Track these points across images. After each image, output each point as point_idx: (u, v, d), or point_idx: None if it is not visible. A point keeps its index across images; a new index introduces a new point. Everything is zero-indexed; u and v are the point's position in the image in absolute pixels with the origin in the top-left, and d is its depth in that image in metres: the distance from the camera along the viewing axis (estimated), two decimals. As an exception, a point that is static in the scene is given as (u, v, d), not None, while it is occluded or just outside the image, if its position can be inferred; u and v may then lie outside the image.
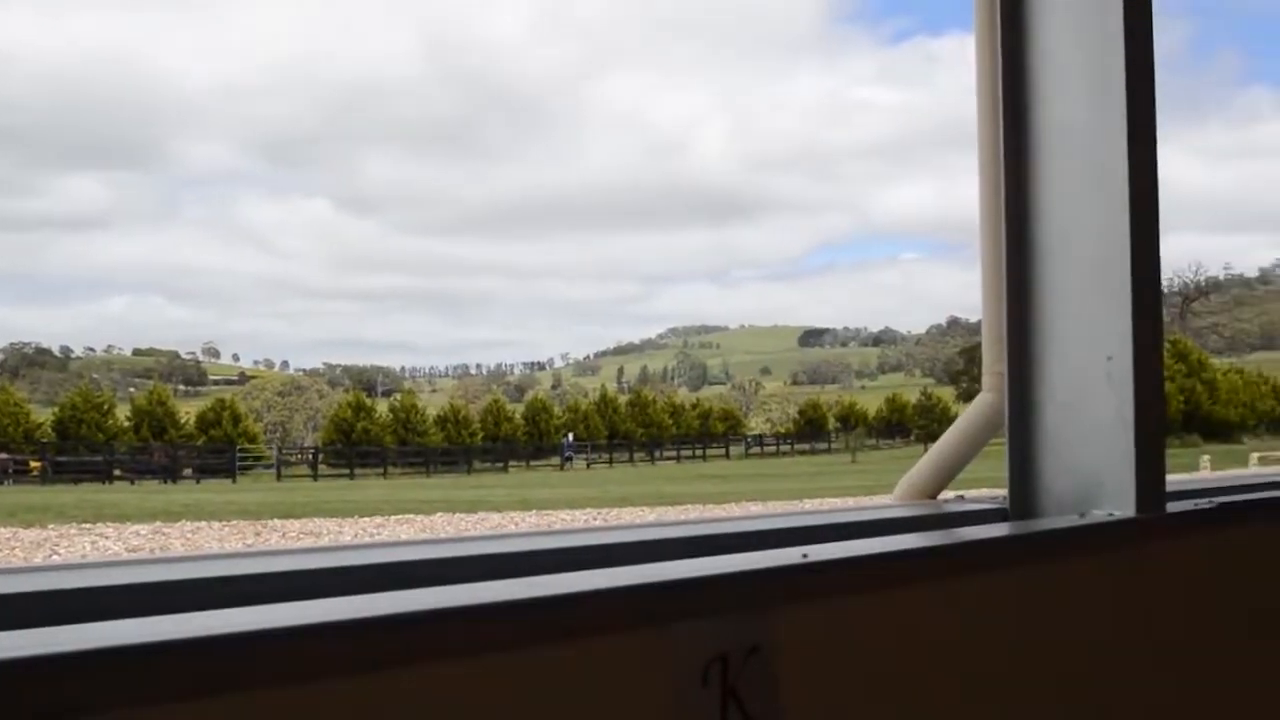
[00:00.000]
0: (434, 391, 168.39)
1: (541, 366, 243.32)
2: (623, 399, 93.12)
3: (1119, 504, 1.95)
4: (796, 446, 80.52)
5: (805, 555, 1.38)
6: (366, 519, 22.43)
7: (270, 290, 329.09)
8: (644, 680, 1.16)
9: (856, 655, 1.45)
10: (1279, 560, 2.55)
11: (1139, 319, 1.94)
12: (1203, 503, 2.22)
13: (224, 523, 20.95)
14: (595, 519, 21.22)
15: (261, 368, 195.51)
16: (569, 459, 64.74)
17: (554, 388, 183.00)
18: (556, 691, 1.08)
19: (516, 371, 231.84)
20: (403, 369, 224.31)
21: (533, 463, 66.75)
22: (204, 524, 20.54)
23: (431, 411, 76.86)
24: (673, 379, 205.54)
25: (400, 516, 23.38)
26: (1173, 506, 2.09)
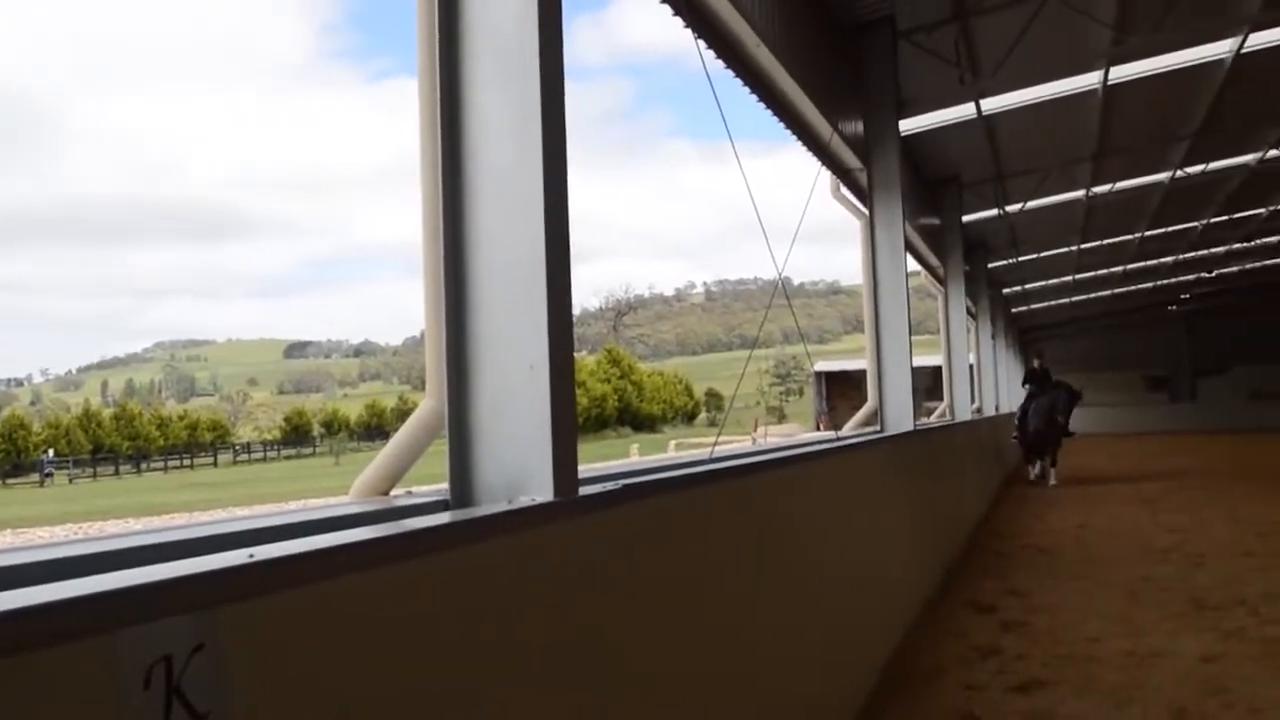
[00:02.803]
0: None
1: (19, 383, 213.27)
2: (107, 413, 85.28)
3: (540, 491, 2.13)
4: (283, 452, 78.05)
5: (251, 555, 1.37)
6: None
7: None
8: (85, 691, 1.10)
9: (310, 642, 1.47)
10: (675, 525, 2.89)
11: (554, 334, 2.13)
12: (610, 485, 2.47)
13: None
14: (76, 533, 19.15)
15: None
16: (49, 475, 57.90)
17: (33, 404, 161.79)
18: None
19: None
20: None
21: (9, 481, 58.80)
22: None
23: (-107, 435, 65.59)
24: (160, 392, 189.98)
25: None
26: (585, 490, 2.31)
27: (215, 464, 70.17)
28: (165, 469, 66.18)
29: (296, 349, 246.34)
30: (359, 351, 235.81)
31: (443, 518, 2.01)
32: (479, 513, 2.04)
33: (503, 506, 2.07)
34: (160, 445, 77.54)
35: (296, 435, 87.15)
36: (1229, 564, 7.86)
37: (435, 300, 2.18)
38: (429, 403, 2.22)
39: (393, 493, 2.27)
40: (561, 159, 2.24)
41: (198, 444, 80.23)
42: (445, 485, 2.19)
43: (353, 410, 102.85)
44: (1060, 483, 16.09)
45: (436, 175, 2.18)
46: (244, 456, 75.62)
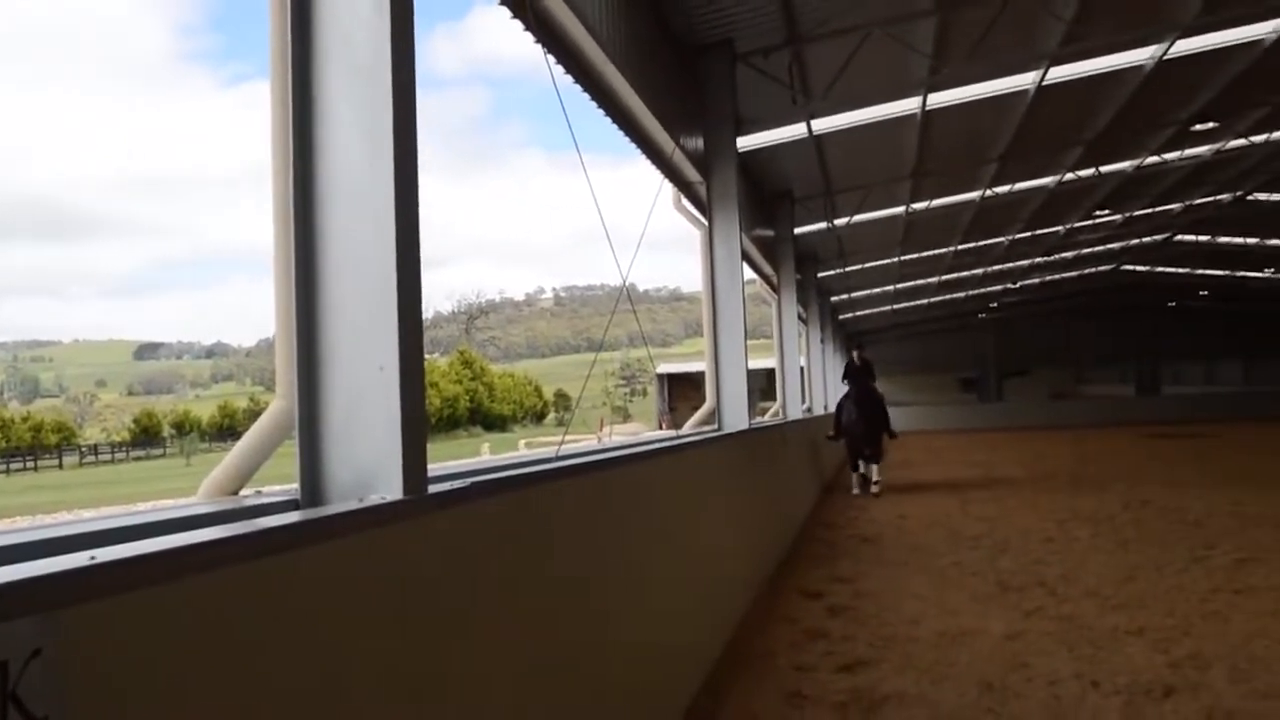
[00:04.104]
0: None
1: None
2: (-57, 416, 79.57)
3: (390, 489, 2.09)
4: (133, 454, 73.88)
5: (93, 557, 1.31)
6: None
7: None
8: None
9: (156, 644, 1.41)
10: (523, 522, 2.89)
11: (404, 336, 2.10)
12: (459, 483, 2.45)
13: None
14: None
15: None
16: (-118, 480, 53.29)
17: None
18: None
19: None
20: None
21: None
22: None
23: None
24: (2, 393, 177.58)
25: None
26: (434, 488, 2.29)
27: (60, 466, 65.88)
28: (8, 471, 61.71)
29: (147, 350, 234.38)
30: (211, 353, 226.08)
31: (292, 517, 1.96)
32: (329, 511, 1.99)
33: (352, 505, 2.03)
34: (2, 447, 72.56)
35: (146, 436, 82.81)
36: (1030, 549, 8.32)
37: (286, 301, 2.12)
38: (279, 403, 2.16)
39: (242, 492, 2.20)
40: (412, 164, 2.21)
41: (42, 446, 75.17)
42: (295, 485, 2.14)
43: (205, 411, 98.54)
44: (881, 490, 13.87)
45: (288, 178, 2.13)
46: (91, 458, 71.25)
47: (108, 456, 72.41)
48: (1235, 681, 4.37)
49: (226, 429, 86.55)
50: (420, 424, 2.14)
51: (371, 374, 2.08)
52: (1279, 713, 3.96)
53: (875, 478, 13.99)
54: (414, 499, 2.10)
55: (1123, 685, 4.40)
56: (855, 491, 14.02)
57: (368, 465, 2.10)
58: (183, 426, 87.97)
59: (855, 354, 14.74)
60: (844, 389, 14.84)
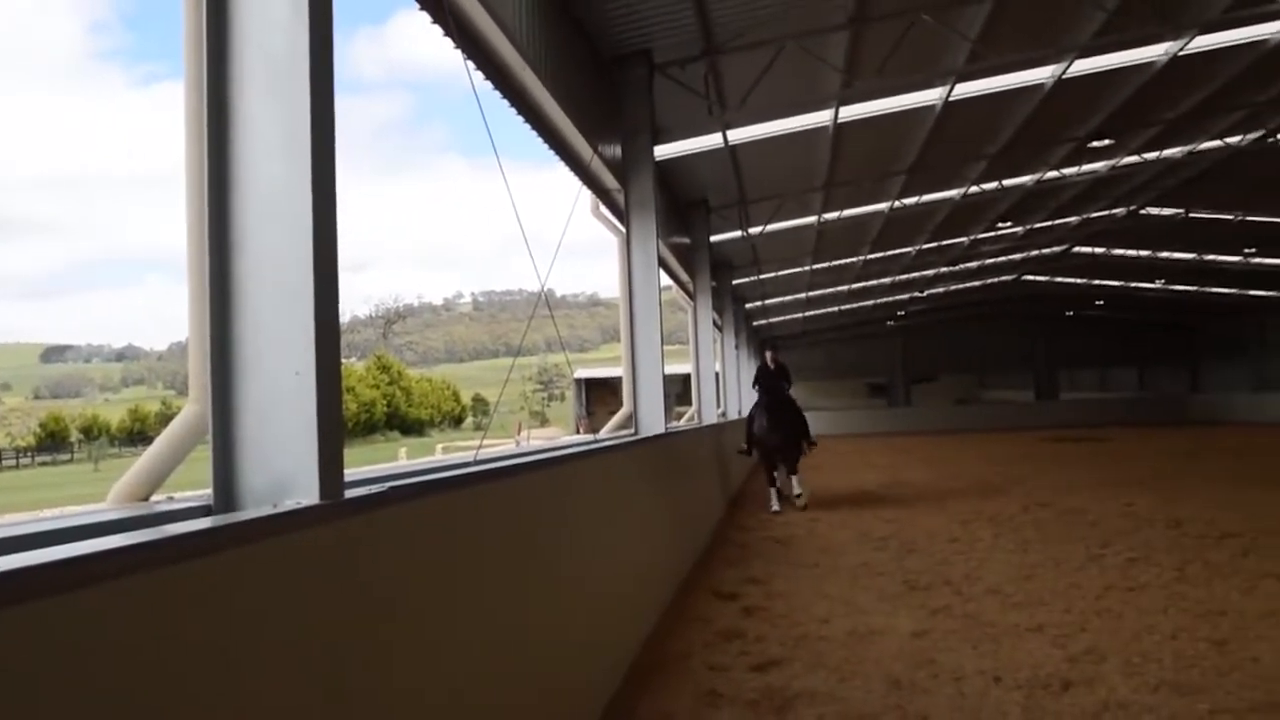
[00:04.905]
0: None
1: None
2: None
3: (306, 494, 2.06)
4: (38, 459, 71.05)
5: (-5, 566, 1.27)
6: None
7: None
8: None
9: (60, 654, 1.37)
10: (441, 526, 2.86)
11: (321, 341, 2.07)
12: (376, 488, 2.42)
13: None
14: None
15: None
16: None
17: None
18: None
19: None
20: None
21: None
22: None
23: None
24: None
25: None
26: (351, 493, 2.26)
27: (-40, 472, 63.10)
28: (-94, 478, 58.81)
29: (54, 353, 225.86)
30: (122, 356, 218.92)
31: (204, 523, 1.92)
32: (243, 517, 1.96)
33: (267, 510, 1.99)
34: (-100, 452, 69.22)
35: (53, 441, 79.81)
36: (936, 549, 8.51)
37: (200, 304, 2.08)
38: (193, 407, 2.11)
39: (153, 498, 2.14)
40: (330, 167, 2.18)
41: (-58, 452, 71.94)
42: (209, 490, 2.09)
43: (114, 415, 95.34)
44: (806, 504, 12.32)
45: (202, 180, 2.08)
46: (-7, 464, 68.40)
47: (12, 462, 69.66)
48: (1128, 675, 4.53)
49: (137, 434, 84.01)
50: (337, 428, 2.11)
51: (287, 378, 2.04)
52: (1168, 705, 4.11)
53: (797, 490, 12.39)
54: (330, 504, 2.07)
55: (1023, 680, 4.52)
56: (774, 508, 12.05)
57: (283, 470, 2.06)
58: (91, 431, 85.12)
59: (768, 355, 12.97)
60: (755, 396, 13.00)
